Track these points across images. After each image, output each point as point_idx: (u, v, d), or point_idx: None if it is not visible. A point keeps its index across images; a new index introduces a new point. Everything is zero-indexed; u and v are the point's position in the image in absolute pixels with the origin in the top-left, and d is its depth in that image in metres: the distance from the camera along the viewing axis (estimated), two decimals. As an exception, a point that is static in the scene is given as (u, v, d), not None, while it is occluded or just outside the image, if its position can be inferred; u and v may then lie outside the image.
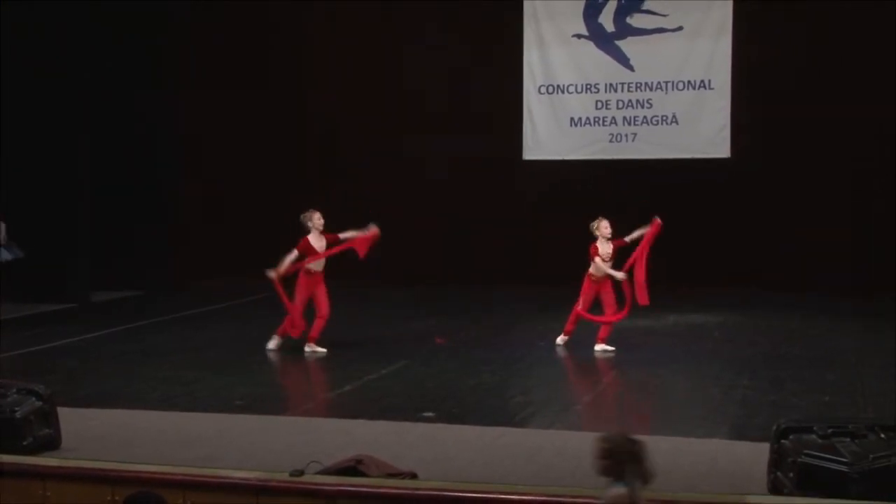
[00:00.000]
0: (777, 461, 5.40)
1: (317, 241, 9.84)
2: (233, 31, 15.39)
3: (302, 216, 9.95)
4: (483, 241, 14.68)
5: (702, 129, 14.12)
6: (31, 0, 13.18)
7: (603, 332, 9.83)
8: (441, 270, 14.38)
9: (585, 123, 14.60)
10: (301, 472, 5.34)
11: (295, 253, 9.78)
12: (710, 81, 14.07)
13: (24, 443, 6.17)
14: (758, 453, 5.77)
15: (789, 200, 13.76)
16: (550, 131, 14.75)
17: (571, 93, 14.62)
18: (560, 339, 10.10)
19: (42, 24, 13.42)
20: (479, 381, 8.70)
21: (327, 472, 5.47)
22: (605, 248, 9.71)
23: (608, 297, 9.80)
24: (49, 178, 13.57)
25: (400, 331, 10.48)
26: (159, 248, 15.07)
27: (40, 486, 5.47)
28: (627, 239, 9.74)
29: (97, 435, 6.80)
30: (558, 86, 14.66)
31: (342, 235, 9.94)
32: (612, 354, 9.69)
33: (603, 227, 9.72)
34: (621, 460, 3.93)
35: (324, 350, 9.85)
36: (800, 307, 12.41)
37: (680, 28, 14.12)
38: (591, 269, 9.79)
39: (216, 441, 6.73)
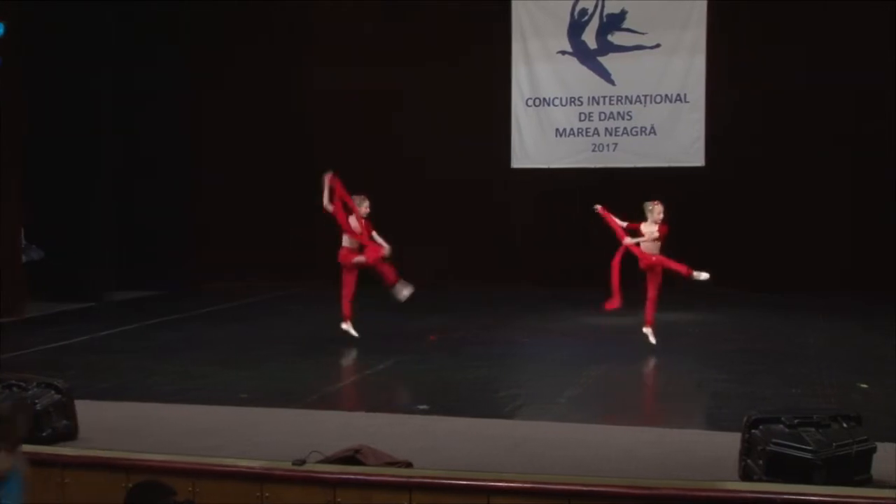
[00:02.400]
0: (748, 449, 5.41)
1: (354, 222, 9.88)
2: (246, 33, 15.32)
3: (354, 198, 9.93)
4: (474, 243, 14.67)
5: (678, 139, 14.16)
6: (52, 0, 12.96)
7: (648, 315, 9.58)
8: (435, 272, 14.36)
9: (570, 134, 14.62)
10: (303, 462, 5.33)
11: (327, 185, 9.78)
12: (685, 95, 14.11)
13: (44, 434, 6.14)
14: (730, 442, 5.77)
15: (759, 205, 13.80)
16: (537, 141, 14.77)
17: (557, 105, 14.64)
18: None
19: (62, 26, 13.15)
20: (471, 376, 8.69)
21: (328, 461, 5.46)
22: (649, 228, 9.48)
23: (654, 280, 9.54)
24: (69, 180, 13.45)
25: (396, 329, 10.47)
26: (176, 250, 15.00)
27: (59, 475, 5.46)
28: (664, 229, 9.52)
29: (112, 426, 6.78)
30: (544, 99, 14.68)
31: (374, 235, 9.95)
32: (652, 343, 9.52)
33: (656, 211, 9.47)
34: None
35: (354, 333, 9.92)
36: (769, 305, 12.44)
37: (658, 45, 14.15)
38: (643, 246, 9.50)
39: (223, 432, 6.71)
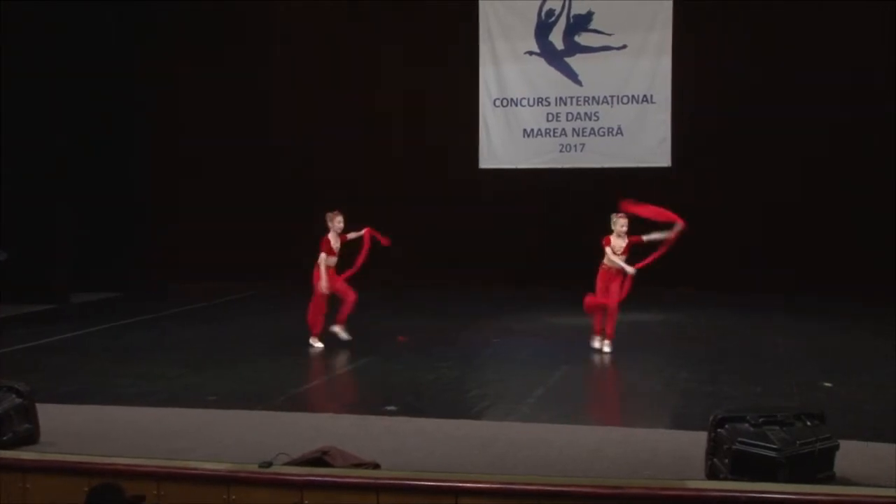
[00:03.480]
0: (714, 448, 5.45)
1: (335, 240, 9.90)
2: (213, 31, 15.24)
3: (327, 215, 9.98)
4: (442, 243, 14.66)
5: (645, 140, 14.24)
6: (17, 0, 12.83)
7: (609, 327, 9.53)
8: (405, 273, 14.34)
9: (537, 135, 14.66)
10: (269, 464, 5.28)
11: (322, 256, 9.82)
12: (652, 96, 14.20)
13: (4, 438, 6.05)
14: (696, 441, 5.81)
15: (725, 206, 13.91)
16: (505, 142, 14.80)
17: (524, 106, 14.67)
18: (596, 343, 9.66)
19: (28, 26, 13.02)
20: (439, 377, 8.69)
21: (295, 463, 5.42)
22: (617, 242, 9.43)
23: (614, 288, 9.47)
24: (30, 180, 13.29)
25: (365, 330, 10.43)
26: (140, 251, 14.89)
27: (20, 479, 5.37)
28: (645, 238, 9.41)
29: (76, 430, 6.70)
30: (512, 99, 14.71)
31: (349, 235, 10.00)
32: (607, 353, 9.46)
33: (619, 225, 9.40)
34: None
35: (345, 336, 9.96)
36: (735, 305, 12.54)
37: (624, 46, 14.22)
38: (605, 260, 9.52)
39: (190, 435, 6.66)
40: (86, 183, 14.26)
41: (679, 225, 9.32)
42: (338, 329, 10.09)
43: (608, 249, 9.48)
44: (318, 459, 5.43)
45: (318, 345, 9.99)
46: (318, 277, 9.88)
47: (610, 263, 9.51)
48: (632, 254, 9.52)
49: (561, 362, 9.30)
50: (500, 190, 14.67)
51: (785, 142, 13.65)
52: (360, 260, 10.11)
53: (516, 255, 14.54)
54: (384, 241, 10.17)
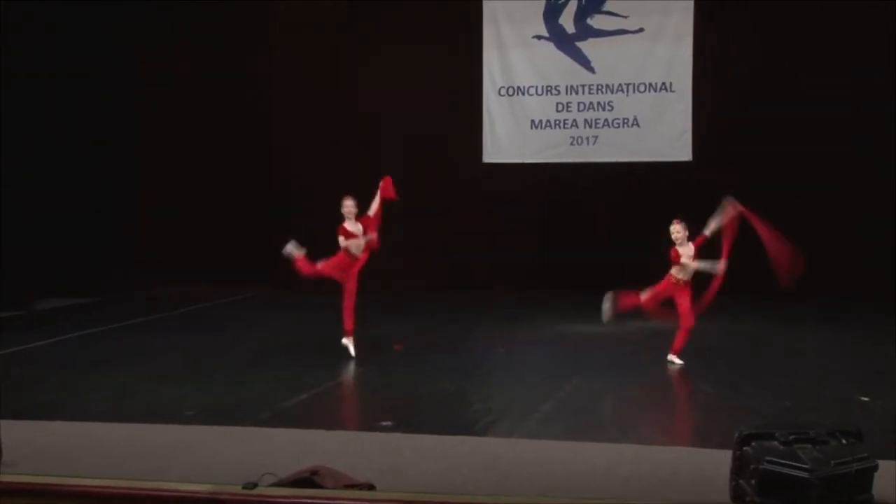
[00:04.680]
0: (739, 468, 5.42)
1: (352, 226, 9.86)
2: (192, 32, 15.28)
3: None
4: (441, 244, 14.66)
5: (663, 132, 14.24)
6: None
7: (678, 342, 9.53)
8: (402, 277, 14.34)
9: (546, 126, 14.66)
10: (254, 485, 5.25)
11: (342, 239, 9.79)
12: (671, 84, 14.19)
13: (-37, 458, 6.02)
14: (720, 460, 5.78)
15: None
16: (510, 134, 14.80)
17: (532, 95, 14.68)
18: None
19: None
20: (438, 389, 8.67)
21: (282, 483, 5.40)
22: (685, 250, 9.38)
23: (684, 304, 9.44)
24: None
25: (358, 337, 10.41)
26: (112, 255, 14.91)
27: (-20, 502, 5.34)
28: (707, 232, 9.34)
29: (41, 448, 6.67)
30: (518, 88, 14.71)
31: (370, 212, 9.93)
32: (676, 366, 9.45)
33: (673, 232, 9.38)
34: None
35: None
36: (761, 312, 12.52)
37: (641, 30, 14.23)
38: (673, 271, 9.47)
39: (167, 453, 6.64)
40: (58, 183, 14.33)
41: (735, 210, 9.28)
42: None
43: (684, 261, 9.36)
44: (308, 480, 5.41)
45: (350, 347, 9.92)
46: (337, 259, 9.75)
47: (680, 275, 9.39)
48: (703, 253, 9.43)
49: (571, 373, 9.29)
50: (506, 187, 14.66)
51: (817, 135, 13.59)
52: (376, 222, 9.86)
53: (523, 256, 14.54)
54: (390, 194, 9.93)
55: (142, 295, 14.64)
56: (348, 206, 9.87)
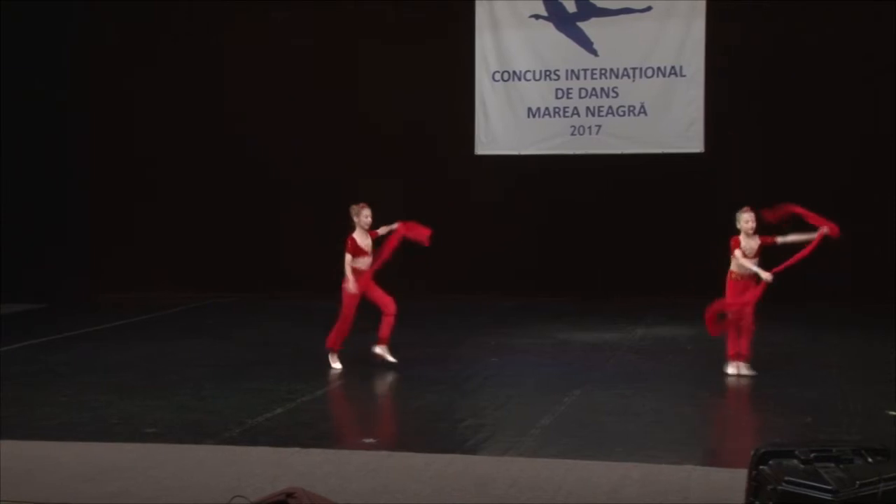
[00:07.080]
0: (756, 489, 5.44)
1: (362, 238, 9.89)
2: (151, 30, 15.32)
3: (351, 209, 9.95)
4: (432, 244, 14.65)
5: (672, 120, 14.30)
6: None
7: (743, 347, 9.49)
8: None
9: (545, 114, 14.70)
10: (223, 509, 5.28)
11: (348, 257, 9.81)
12: (681, 68, 14.25)
13: None
14: (734, 480, 5.82)
15: (766, 199, 13.90)
16: (506, 123, 14.84)
17: (528, 80, 14.72)
18: (731, 368, 9.57)
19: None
20: (425, 403, 8.70)
21: (253, 507, 5.41)
22: (748, 243, 9.38)
23: (748, 299, 9.40)
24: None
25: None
26: (66, 259, 14.92)
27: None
28: (780, 240, 9.39)
29: (-12, 468, 6.67)
30: (514, 72, 14.75)
31: (380, 231, 9.95)
32: (747, 377, 9.43)
33: (743, 221, 9.37)
34: None
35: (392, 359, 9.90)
36: (779, 318, 12.55)
37: (649, 8, 14.28)
38: (732, 266, 9.48)
39: (126, 474, 6.65)
40: (9, 188, 14.44)
41: (824, 228, 9.29)
42: (380, 350, 10.01)
43: (737, 252, 9.38)
44: (282, 503, 5.42)
45: (337, 366, 9.98)
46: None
47: (739, 270, 9.43)
48: (763, 258, 9.42)
49: (571, 386, 9.33)
50: (500, 180, 14.69)
51: (840, 123, 13.65)
52: (384, 257, 9.91)
53: (518, 257, 14.57)
54: (423, 238, 9.99)
55: (95, 301, 14.62)
56: (367, 215, 9.85)
